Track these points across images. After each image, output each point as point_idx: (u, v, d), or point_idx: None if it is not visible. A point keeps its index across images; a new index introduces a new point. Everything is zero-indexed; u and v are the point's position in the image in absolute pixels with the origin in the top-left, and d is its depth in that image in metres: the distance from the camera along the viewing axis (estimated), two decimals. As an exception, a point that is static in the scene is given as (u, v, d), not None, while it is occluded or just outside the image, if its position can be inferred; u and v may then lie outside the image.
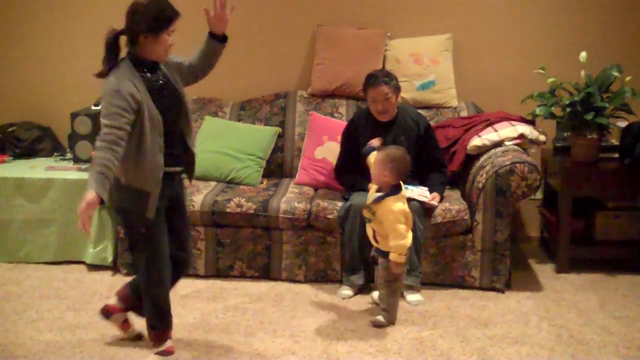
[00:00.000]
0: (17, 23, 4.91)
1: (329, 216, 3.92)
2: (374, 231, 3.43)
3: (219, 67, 4.81)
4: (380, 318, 3.46)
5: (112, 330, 3.36)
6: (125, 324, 3.28)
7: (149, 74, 2.91)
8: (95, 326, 3.42)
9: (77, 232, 4.23)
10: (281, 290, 3.88)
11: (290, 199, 4.04)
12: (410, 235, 3.36)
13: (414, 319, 3.53)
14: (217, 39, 3.16)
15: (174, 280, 3.18)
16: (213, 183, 4.32)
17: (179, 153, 3.05)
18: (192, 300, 3.74)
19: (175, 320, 3.45)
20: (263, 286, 3.94)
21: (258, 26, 4.82)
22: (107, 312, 3.24)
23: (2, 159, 4.59)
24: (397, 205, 3.33)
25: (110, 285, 3.94)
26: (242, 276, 4.04)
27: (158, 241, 2.95)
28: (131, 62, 2.90)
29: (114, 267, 4.16)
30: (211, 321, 3.49)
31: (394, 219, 3.31)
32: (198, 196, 4.04)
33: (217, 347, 3.22)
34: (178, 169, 3.07)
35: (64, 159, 4.66)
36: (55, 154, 4.78)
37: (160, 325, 3.08)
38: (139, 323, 3.26)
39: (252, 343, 3.27)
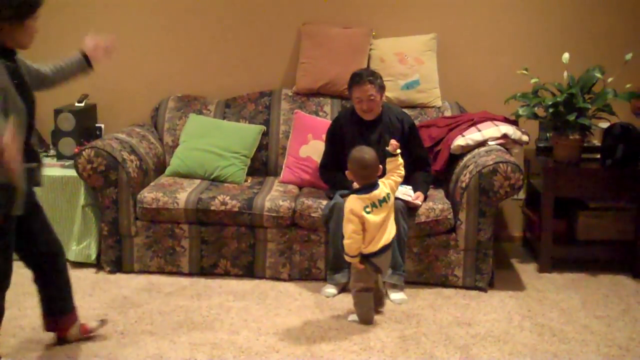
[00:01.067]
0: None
1: (313, 214, 3.93)
2: None
3: (205, 64, 4.85)
4: (351, 318, 3.51)
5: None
6: (83, 327, 3.24)
7: (9, 63, 2.82)
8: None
9: (60, 230, 4.20)
10: (265, 289, 3.89)
11: (275, 197, 4.04)
12: (357, 239, 3.35)
13: (398, 318, 3.54)
14: (89, 64, 3.19)
15: (58, 275, 3.16)
16: (197, 181, 4.31)
17: (31, 150, 2.92)
18: (176, 298, 3.74)
19: (159, 318, 3.48)
20: (247, 284, 3.94)
21: (243, 24, 4.82)
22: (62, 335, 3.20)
23: (-16, 155, 4.55)
24: (353, 204, 3.35)
25: (93, 283, 3.93)
26: (226, 274, 4.04)
27: (10, 240, 2.87)
28: None
29: (98, 265, 4.14)
30: (195, 319, 3.49)
31: (345, 218, 3.37)
32: (182, 194, 4.04)
33: (201, 345, 3.22)
34: (34, 164, 2.96)
35: (47, 156, 4.64)
36: (38, 150, 4.73)
37: None
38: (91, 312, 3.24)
39: (236, 341, 3.27)
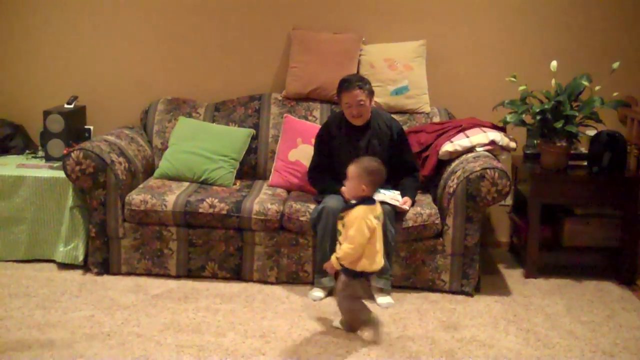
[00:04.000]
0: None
1: (301, 218, 3.94)
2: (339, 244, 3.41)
3: (195, 68, 4.87)
4: (335, 324, 3.50)
5: (81, 328, 3.36)
6: None
7: None
8: (65, 325, 3.40)
9: (47, 231, 4.20)
10: (252, 292, 3.89)
11: (263, 200, 4.05)
12: (361, 250, 3.30)
13: (384, 321, 3.56)
14: None
15: None
16: (186, 183, 4.31)
17: None
18: (163, 300, 3.74)
19: (145, 320, 3.48)
20: (234, 287, 3.95)
21: (233, 28, 4.83)
22: None
23: (-28, 155, 4.55)
24: (365, 214, 3.29)
25: (80, 284, 3.92)
26: (214, 277, 4.04)
27: None
28: None
29: (85, 266, 4.13)
30: (182, 321, 3.49)
31: (358, 227, 3.26)
32: (171, 196, 4.04)
33: (187, 347, 3.22)
34: None
35: (36, 157, 4.63)
36: (27, 151, 4.73)
37: None
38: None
39: (223, 343, 3.27)
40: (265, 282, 4.01)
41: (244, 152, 4.51)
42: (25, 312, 3.54)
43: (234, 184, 4.39)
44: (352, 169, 3.41)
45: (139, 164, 4.36)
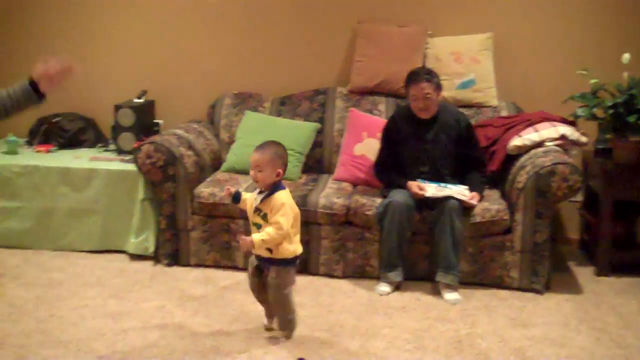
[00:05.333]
0: (64, 17, 5.00)
1: (367, 212, 3.94)
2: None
3: (261, 62, 4.91)
4: (269, 325, 3.37)
5: (153, 318, 3.44)
6: None
7: None
8: (137, 314, 3.48)
9: (119, 223, 4.30)
10: (319, 285, 3.92)
11: (329, 194, 4.07)
12: (296, 237, 3.20)
13: (452, 318, 3.54)
14: (38, 94, 2.65)
15: None
16: (252, 177, 4.36)
17: None
18: (231, 292, 3.79)
19: (215, 311, 3.53)
20: (301, 280, 3.95)
21: (299, 22, 4.86)
22: None
23: (47, 148, 4.69)
24: (290, 199, 3.16)
25: (151, 275, 4.01)
26: (280, 270, 4.08)
27: None
28: None
29: (155, 257, 4.22)
30: (250, 313, 3.53)
31: (284, 212, 3.10)
32: (238, 189, 4.08)
33: (256, 339, 3.26)
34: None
35: (107, 150, 4.75)
36: (99, 144, 4.86)
37: None
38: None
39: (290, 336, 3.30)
40: (332, 276, 4.02)
41: (310, 146, 4.53)
42: (99, 302, 3.64)
43: (300, 177, 4.42)
44: (259, 158, 3.15)
45: (207, 157, 4.43)
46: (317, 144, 4.58)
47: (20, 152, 4.61)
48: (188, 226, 4.12)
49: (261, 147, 3.22)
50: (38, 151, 4.66)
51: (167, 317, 3.47)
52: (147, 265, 4.18)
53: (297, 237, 3.24)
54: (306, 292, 3.82)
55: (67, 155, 4.59)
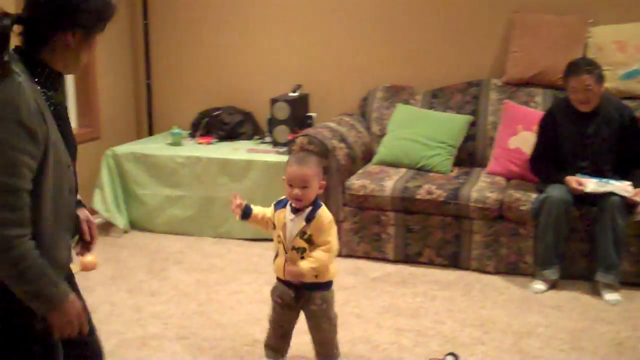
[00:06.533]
0: (225, 12, 5.23)
1: (522, 207, 3.83)
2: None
3: (412, 54, 4.90)
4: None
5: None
6: None
7: (50, 92, 1.79)
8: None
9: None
10: (470, 280, 3.86)
11: (482, 188, 3.99)
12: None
13: (612, 319, 3.37)
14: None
15: None
16: (403, 170, 4.37)
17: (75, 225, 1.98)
18: (381, 284, 3.83)
19: (365, 302, 3.58)
20: (451, 274, 3.94)
21: (452, 13, 4.79)
22: None
23: (208, 140, 4.93)
24: (330, 214, 2.74)
25: (303, 264, 4.12)
26: (431, 263, 4.06)
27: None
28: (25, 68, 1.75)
29: (308, 247, 4.33)
30: (400, 305, 3.55)
31: (334, 231, 2.70)
32: (388, 182, 4.11)
33: (406, 331, 3.27)
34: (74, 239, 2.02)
35: (264, 142, 4.92)
36: (256, 137, 5.05)
37: None
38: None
39: (441, 330, 3.28)
40: (483, 272, 3.95)
41: (462, 139, 4.47)
42: (255, 287, 3.79)
43: (451, 171, 4.37)
44: (306, 172, 2.65)
45: (358, 150, 4.48)
46: (469, 137, 4.50)
47: (183, 143, 4.88)
48: (339, 217, 4.20)
49: (300, 160, 2.72)
50: (200, 143, 4.91)
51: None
52: (301, 254, 4.29)
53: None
54: (456, 286, 3.78)
55: (226, 147, 4.81)
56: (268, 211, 2.79)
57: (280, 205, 2.75)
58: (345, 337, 3.20)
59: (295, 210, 2.69)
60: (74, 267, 3.96)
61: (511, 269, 3.92)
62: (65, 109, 1.88)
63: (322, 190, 2.74)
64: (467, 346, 3.13)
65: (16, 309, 1.73)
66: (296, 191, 2.64)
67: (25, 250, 1.67)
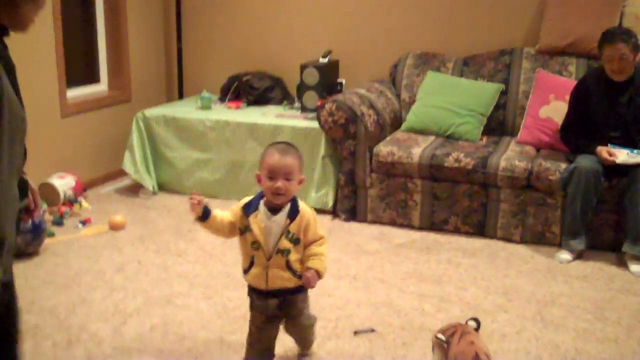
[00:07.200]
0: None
1: (551, 177, 3.80)
2: (287, 267, 2.43)
3: (444, 21, 4.84)
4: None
5: (329, 269, 3.54)
6: None
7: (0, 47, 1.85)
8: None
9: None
10: (496, 249, 3.85)
11: (511, 157, 3.96)
12: None
13: (636, 290, 3.35)
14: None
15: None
16: (432, 137, 4.35)
17: (22, 181, 1.96)
18: (406, 250, 3.83)
19: (389, 267, 3.59)
20: (477, 243, 3.93)
21: (487, -20, 4.72)
22: None
23: (237, 105, 4.95)
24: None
25: (329, 229, 4.13)
26: (456, 231, 4.06)
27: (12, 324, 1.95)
28: None
29: (334, 212, 4.35)
30: (424, 271, 3.56)
31: (319, 223, 2.48)
32: (417, 149, 4.10)
33: (429, 297, 3.28)
34: (24, 202, 2.01)
35: (292, 108, 4.92)
36: (285, 102, 5.05)
37: None
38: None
39: (464, 296, 3.29)
40: (509, 240, 3.94)
41: (492, 108, 4.43)
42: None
43: (481, 139, 4.34)
44: (290, 163, 2.38)
45: (387, 116, 4.46)
46: (499, 106, 4.46)
47: (213, 107, 4.91)
48: (366, 183, 4.20)
49: (282, 150, 2.41)
50: (229, 107, 4.93)
51: (342, 269, 3.58)
52: (326, 219, 4.31)
53: None
54: (481, 255, 3.77)
55: (255, 112, 4.82)
56: (229, 215, 2.47)
57: (251, 208, 2.43)
58: (368, 300, 3.24)
59: (273, 210, 2.39)
60: (103, 226, 4.08)
61: (537, 239, 3.90)
62: (13, 66, 1.86)
63: (300, 187, 2.44)
64: (489, 313, 3.12)
65: None
66: (279, 184, 2.34)
67: None
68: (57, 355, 2.75)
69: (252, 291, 2.50)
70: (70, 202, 4.32)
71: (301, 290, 2.48)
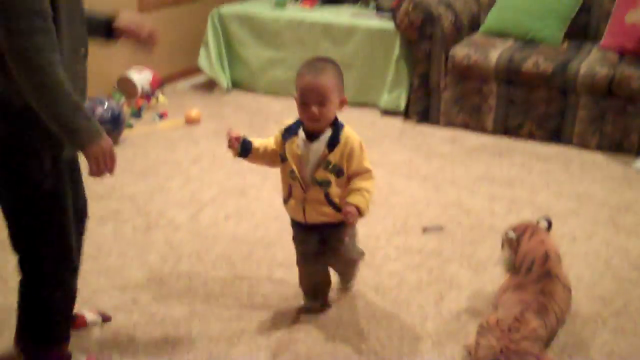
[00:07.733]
0: None
1: (633, 85, 3.67)
2: (327, 200, 2.19)
3: None
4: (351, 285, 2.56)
5: (399, 169, 3.57)
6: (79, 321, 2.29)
7: None
8: (385, 165, 3.63)
9: (373, 79, 4.44)
10: (570, 155, 3.79)
11: (592, 62, 3.83)
12: None
13: None
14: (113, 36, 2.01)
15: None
16: (511, 41, 4.22)
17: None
18: (478, 153, 3.81)
19: (460, 169, 3.59)
20: (551, 149, 3.87)
21: None
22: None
23: (312, 4, 4.89)
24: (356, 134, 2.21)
25: (400, 130, 4.14)
26: (530, 136, 3.99)
27: (66, 203, 1.89)
28: None
29: (406, 114, 4.33)
30: (496, 174, 3.54)
31: (365, 153, 2.18)
32: (494, 52, 4.00)
33: (499, 198, 3.27)
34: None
35: (367, 7, 4.84)
36: (360, 2, 4.96)
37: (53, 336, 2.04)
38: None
39: (535, 200, 3.27)
40: (585, 147, 3.86)
41: (575, 11, 4.25)
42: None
43: (562, 43, 4.19)
44: (323, 84, 2.09)
45: (465, 19, 4.35)
46: (583, 9, 4.27)
47: (288, 6, 4.87)
48: (440, 86, 4.15)
49: (315, 69, 2.13)
50: (303, 6, 4.88)
51: (413, 170, 3.60)
52: (398, 121, 4.30)
53: None
54: (555, 160, 3.72)
55: (330, 12, 4.76)
56: (271, 142, 2.25)
57: (289, 133, 2.20)
58: (438, 200, 3.26)
59: (311, 136, 2.16)
60: (179, 120, 4.19)
61: (614, 147, 3.81)
62: None
63: (343, 109, 2.17)
64: (560, 216, 3.10)
65: (22, 131, 1.75)
66: (313, 109, 2.08)
67: (61, 77, 1.64)
68: (137, 238, 2.89)
69: (293, 223, 2.33)
70: (148, 95, 4.42)
71: (345, 224, 2.20)
